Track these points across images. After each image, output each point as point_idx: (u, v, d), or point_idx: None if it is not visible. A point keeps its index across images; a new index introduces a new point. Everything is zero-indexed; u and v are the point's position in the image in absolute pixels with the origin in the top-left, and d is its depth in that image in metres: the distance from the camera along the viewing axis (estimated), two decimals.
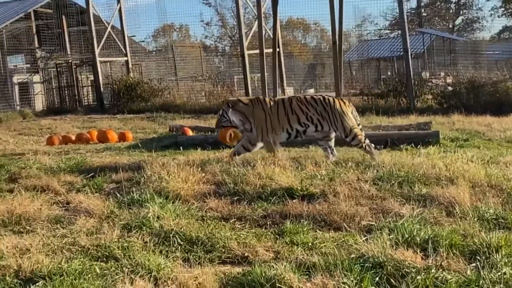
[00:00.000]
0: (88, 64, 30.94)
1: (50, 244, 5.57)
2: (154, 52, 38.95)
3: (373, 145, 9.94)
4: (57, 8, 32.49)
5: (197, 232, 5.74)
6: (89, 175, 8.91)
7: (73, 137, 15.11)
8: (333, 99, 10.14)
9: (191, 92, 28.74)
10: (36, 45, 32.59)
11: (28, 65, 32.86)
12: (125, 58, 29.99)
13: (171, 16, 33.01)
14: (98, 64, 28.49)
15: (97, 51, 28.10)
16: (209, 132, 14.41)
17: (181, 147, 11.83)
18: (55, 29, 32.81)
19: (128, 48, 30.02)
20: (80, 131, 17.65)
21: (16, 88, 30.54)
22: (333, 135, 10.11)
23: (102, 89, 28.61)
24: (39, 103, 31.09)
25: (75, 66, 30.95)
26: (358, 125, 10.19)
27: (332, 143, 10.15)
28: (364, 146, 9.86)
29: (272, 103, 10.16)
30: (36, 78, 31.92)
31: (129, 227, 6.03)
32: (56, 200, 7.56)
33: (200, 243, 5.49)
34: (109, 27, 29.09)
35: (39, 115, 26.92)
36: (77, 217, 6.49)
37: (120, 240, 5.59)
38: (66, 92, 31.15)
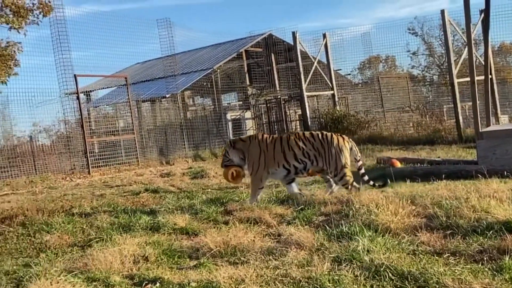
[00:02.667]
0: (296, 99, 31.77)
1: (263, 275, 5.71)
2: (360, 85, 39.05)
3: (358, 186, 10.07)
4: (266, 47, 33.88)
5: (408, 266, 5.56)
6: (299, 208, 9.06)
7: None
8: (331, 135, 10.29)
9: (398, 123, 28.31)
10: (247, 82, 34.18)
11: (240, 102, 34.51)
12: (332, 92, 30.36)
13: (377, 47, 32.88)
14: (306, 98, 29.13)
15: (304, 86, 28.77)
16: (418, 164, 14.05)
17: (389, 179, 11.60)
18: (265, 66, 34.18)
19: (334, 82, 30.38)
20: None
21: (230, 124, 32.17)
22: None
23: (309, 122, 29.19)
24: None
25: (283, 102, 31.94)
26: (358, 160, 10.38)
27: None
28: (349, 188, 10.00)
29: (269, 139, 10.39)
30: (248, 114, 33.39)
31: (339, 260, 6.00)
32: (268, 232, 7.76)
33: (412, 278, 5.31)
34: (315, 62, 29.68)
35: None
36: (288, 249, 6.60)
37: (330, 273, 5.58)
38: (275, 126, 32.21)
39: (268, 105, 32.52)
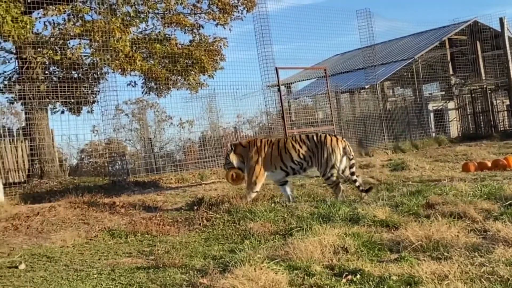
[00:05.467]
0: (503, 88, 30.09)
1: (468, 272, 5.46)
2: None
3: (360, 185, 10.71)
4: (471, 34, 32.47)
5: None
6: (507, 203, 8.56)
7: (489, 164, 14.77)
8: (325, 136, 10.90)
9: None
10: (451, 72, 32.96)
11: (443, 92, 33.39)
12: None
13: None
14: None
15: None
16: None
17: None
18: (469, 55, 32.77)
19: None
20: (496, 157, 17.17)
21: (431, 115, 31.27)
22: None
23: None
24: (454, 129, 31.31)
25: (490, 91, 30.40)
26: (351, 159, 10.81)
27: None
28: (333, 188, 10.79)
29: (266, 144, 11.12)
30: (451, 104, 32.24)
31: None
32: (473, 228, 7.41)
33: None
34: None
35: (454, 141, 27.12)
36: (495, 245, 6.25)
37: None
38: (481, 117, 30.78)
39: (473, 95, 31.13)
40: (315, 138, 10.96)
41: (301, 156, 10.93)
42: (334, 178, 10.74)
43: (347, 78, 31.30)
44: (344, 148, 10.81)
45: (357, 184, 10.75)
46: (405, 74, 30.79)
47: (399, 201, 9.68)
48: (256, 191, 11.11)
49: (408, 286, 5.27)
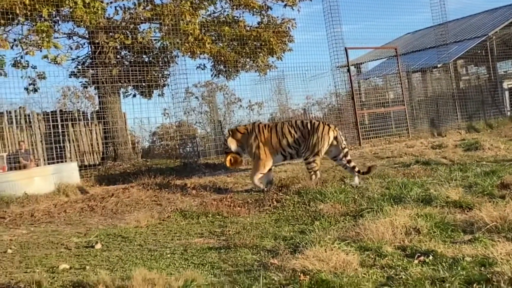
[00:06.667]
0: None
1: None
2: None
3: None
4: None
5: None
6: None
7: None
8: (318, 124, 11.27)
9: None
10: None
11: None
12: None
13: None
14: None
15: None
16: None
17: None
18: None
19: None
20: None
21: (506, 93, 30.31)
22: (345, 150, 11.25)
23: None
24: None
25: None
26: (344, 148, 11.24)
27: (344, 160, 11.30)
28: (311, 173, 11.12)
29: (265, 129, 11.47)
30: None
31: None
32: None
33: None
34: None
35: None
36: None
37: None
38: None
39: None
40: (308, 124, 11.36)
41: (296, 142, 11.37)
42: (315, 165, 11.15)
43: (419, 57, 30.64)
44: (335, 138, 11.21)
45: (356, 169, 11.07)
46: (479, 52, 29.90)
47: (472, 181, 9.48)
48: (262, 173, 11.42)
49: (482, 267, 5.16)
